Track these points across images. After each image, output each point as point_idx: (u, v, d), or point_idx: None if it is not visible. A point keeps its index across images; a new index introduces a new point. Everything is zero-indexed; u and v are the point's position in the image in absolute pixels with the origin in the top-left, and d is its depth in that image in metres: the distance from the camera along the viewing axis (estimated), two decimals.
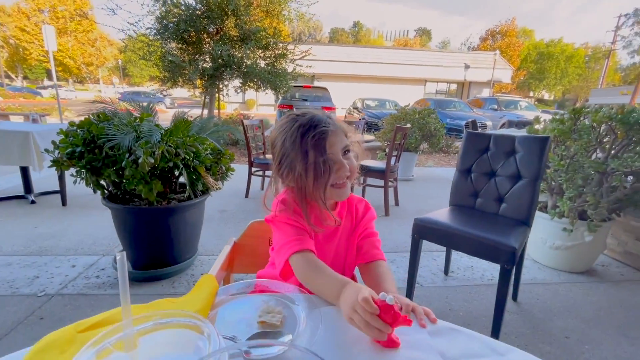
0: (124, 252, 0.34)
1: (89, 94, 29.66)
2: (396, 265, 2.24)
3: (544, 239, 2.18)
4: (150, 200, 1.77)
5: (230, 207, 3.26)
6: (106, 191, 1.87)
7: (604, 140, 1.99)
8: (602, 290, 2.00)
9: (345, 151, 0.72)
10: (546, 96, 33.99)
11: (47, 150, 1.83)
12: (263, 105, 22.24)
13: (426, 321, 0.55)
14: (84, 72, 31.67)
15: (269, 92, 7.69)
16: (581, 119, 2.06)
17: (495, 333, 1.49)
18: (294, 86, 9.13)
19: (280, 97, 9.02)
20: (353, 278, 0.85)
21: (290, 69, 7.54)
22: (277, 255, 0.73)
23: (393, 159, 3.24)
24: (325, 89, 9.97)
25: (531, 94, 32.73)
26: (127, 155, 1.61)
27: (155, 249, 1.91)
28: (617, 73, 32.99)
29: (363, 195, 3.74)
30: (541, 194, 2.25)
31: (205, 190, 2.00)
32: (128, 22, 7.07)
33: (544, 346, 1.53)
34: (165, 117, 2.43)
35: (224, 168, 2.10)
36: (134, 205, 1.84)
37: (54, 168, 1.74)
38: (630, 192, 1.88)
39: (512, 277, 1.83)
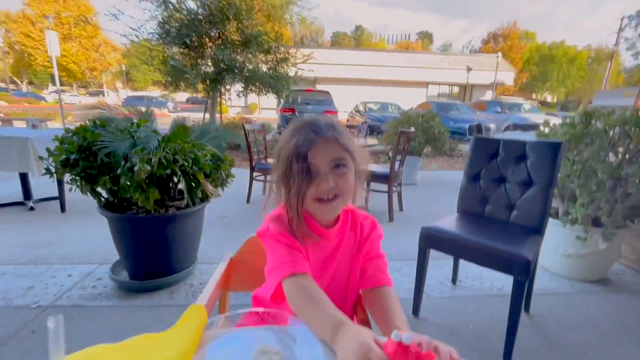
0: (61, 316, 0.28)
1: (92, 99, 29.91)
2: (401, 274, 2.17)
3: (556, 246, 2.10)
4: (147, 209, 1.72)
5: (231, 213, 3.20)
6: (102, 199, 1.82)
7: (617, 144, 1.91)
8: (618, 301, 1.91)
9: (337, 165, 0.64)
10: (549, 98, 33.81)
11: (41, 158, 1.78)
12: (265, 109, 22.26)
13: None
14: (87, 77, 31.94)
15: (270, 96, 7.66)
16: (593, 122, 1.98)
17: (508, 347, 1.41)
18: (296, 90, 9.12)
19: (282, 101, 9.01)
20: (357, 303, 0.78)
21: (292, 73, 7.52)
22: (268, 277, 0.66)
23: (397, 164, 3.18)
24: (327, 92, 9.95)
25: (534, 96, 32.57)
26: (122, 162, 1.56)
27: (153, 259, 1.85)
28: (620, 75, 32.77)
29: (366, 201, 3.66)
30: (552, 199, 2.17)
31: (205, 197, 1.95)
32: (130, 27, 7.09)
33: None
34: (168, 121, 2.38)
35: (224, 174, 2.05)
36: (131, 213, 1.78)
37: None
38: None
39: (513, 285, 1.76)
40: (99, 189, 1.77)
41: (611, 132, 1.93)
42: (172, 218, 1.81)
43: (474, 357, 1.48)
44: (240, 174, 3.79)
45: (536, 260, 1.65)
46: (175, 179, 1.88)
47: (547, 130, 2.13)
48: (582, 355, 1.49)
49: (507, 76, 22.53)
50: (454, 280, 2.04)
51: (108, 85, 37.16)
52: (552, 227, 2.09)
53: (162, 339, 0.44)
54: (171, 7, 6.74)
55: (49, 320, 0.26)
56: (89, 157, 1.64)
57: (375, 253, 0.75)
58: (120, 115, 2.23)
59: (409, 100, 17.60)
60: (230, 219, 3.05)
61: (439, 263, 2.26)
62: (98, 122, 1.77)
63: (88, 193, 1.73)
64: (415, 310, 1.71)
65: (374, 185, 3.56)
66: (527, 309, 1.77)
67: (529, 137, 2.36)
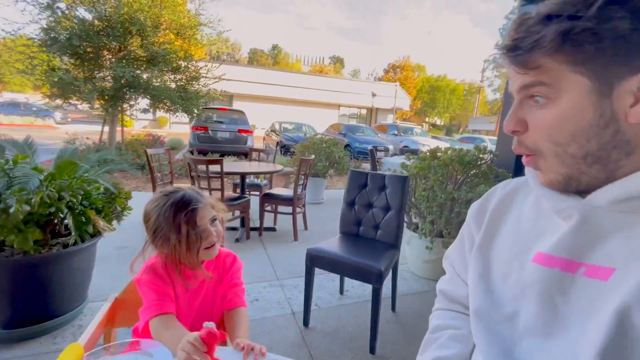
0: None
1: None
2: (299, 290, 2.43)
3: (418, 254, 2.66)
4: (26, 250, 1.62)
5: (131, 243, 3.06)
6: None
7: (453, 174, 2.56)
8: None
9: (213, 220, 0.88)
10: (438, 122, 40.17)
11: None
12: (176, 124, 20.89)
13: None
14: None
15: (179, 115, 7.38)
16: (437, 156, 2.62)
17: (372, 342, 1.78)
18: (209, 108, 8.96)
19: (194, 119, 8.74)
20: (220, 325, 0.99)
21: (204, 91, 7.40)
22: (140, 316, 0.83)
23: (300, 187, 3.51)
24: (242, 111, 10.01)
25: (426, 119, 38.31)
26: None
27: (33, 303, 1.72)
28: (486, 105, 41.07)
29: (275, 221, 3.90)
30: (415, 217, 2.75)
31: (97, 232, 1.90)
32: (2, 30, 6.09)
33: (412, 348, 1.87)
34: (55, 134, 2.22)
35: (119, 208, 2.03)
36: (4, 255, 1.64)
37: None
38: None
39: (391, 290, 2.19)
40: None
41: (450, 166, 2.58)
42: (57, 257, 1.73)
43: (349, 354, 1.80)
44: (144, 197, 3.64)
45: (395, 268, 2.09)
46: (62, 215, 1.80)
47: (408, 162, 2.71)
48: None
49: (405, 102, 26.00)
50: (341, 291, 2.40)
51: None
52: (415, 239, 2.65)
53: None
54: (59, 12, 6.04)
55: None
56: None
57: (234, 282, 0.97)
58: None
59: (323, 120, 18.77)
60: (130, 250, 2.92)
61: (331, 277, 2.61)
62: None
63: None
64: (306, 322, 1.98)
65: (281, 208, 3.83)
66: (393, 308, 2.21)
67: (396, 167, 2.94)
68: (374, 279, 1.69)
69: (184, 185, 0.91)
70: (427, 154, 2.63)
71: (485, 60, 31.22)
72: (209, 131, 8.92)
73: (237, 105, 18.21)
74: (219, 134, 9.01)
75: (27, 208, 1.48)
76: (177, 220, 0.81)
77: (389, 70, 41.01)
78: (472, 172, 2.45)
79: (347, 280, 2.46)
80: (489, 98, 39.79)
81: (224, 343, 0.69)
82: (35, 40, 6.20)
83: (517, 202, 0.60)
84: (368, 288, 2.51)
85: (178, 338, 0.70)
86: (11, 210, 1.42)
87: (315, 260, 1.88)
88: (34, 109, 19.65)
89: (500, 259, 0.58)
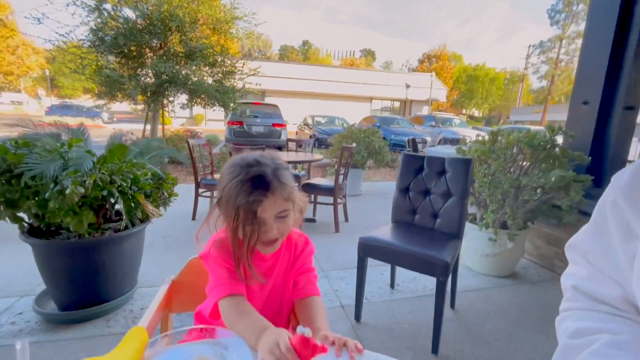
0: (27, 344, 0.32)
1: (7, 107, 26.28)
2: (345, 282, 2.30)
3: (476, 247, 2.42)
4: (80, 233, 1.62)
5: (175, 232, 3.09)
6: (25, 224, 1.68)
7: (517, 159, 2.29)
8: (524, 292, 2.26)
9: (282, 216, 0.72)
10: (476, 113, 38.09)
11: None
12: (212, 121, 21.59)
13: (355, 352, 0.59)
14: (1, 82, 27.99)
15: (216, 109, 7.52)
16: (499, 139, 2.35)
17: (435, 342, 1.60)
18: (244, 103, 9.07)
19: (229, 113, 8.89)
20: (291, 312, 0.87)
21: (239, 86, 7.47)
22: (209, 296, 0.73)
23: (341, 177, 3.36)
24: (275, 106, 10.04)
25: (464, 111, 36.46)
26: (52, 185, 1.47)
27: (87, 286, 1.74)
28: (530, 94, 38.23)
29: (314, 213, 3.79)
30: (471, 206, 2.50)
31: (146, 218, 1.89)
32: (57, 32, 6.49)
33: (477, 349, 1.68)
34: (102, 132, 2.26)
35: (166, 194, 2.01)
36: (60, 239, 1.66)
37: None
38: (539, 204, 2.18)
39: (450, 286, 1.99)
40: (20, 214, 1.63)
41: (514, 149, 2.31)
42: (109, 241, 1.72)
43: (408, 353, 1.64)
44: (185, 189, 3.68)
45: (456, 262, 1.89)
46: (113, 200, 1.80)
47: (464, 147, 2.46)
48: (494, 341, 1.74)
49: (441, 93, 24.86)
50: (392, 285, 2.23)
51: (28, 91, 32.91)
52: (472, 231, 2.41)
53: None
54: (106, 14, 6.33)
55: (17, 343, 0.31)
56: (9, 180, 1.51)
57: (306, 267, 0.85)
58: (46, 125, 2.07)
59: (355, 113, 18.44)
60: (174, 238, 2.94)
61: (380, 269, 2.45)
62: (20, 141, 1.64)
63: (7, 218, 1.58)
64: (357, 316, 1.84)
65: (320, 199, 3.71)
66: (452, 305, 2.01)
67: (452, 151, 2.70)
68: (439, 271, 1.51)
69: (269, 158, 0.74)
70: (487, 137, 2.37)
71: (530, 46, 28.90)
72: (244, 126, 9.04)
73: (268, 101, 18.44)
74: (254, 128, 9.10)
75: (82, 190, 1.47)
76: (237, 203, 0.68)
77: (423, 61, 39.44)
78: (541, 156, 2.16)
79: (397, 273, 2.29)
80: (533, 86, 36.93)
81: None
82: (85, 41, 6.54)
83: None
84: (420, 282, 2.32)
85: (255, 329, 0.59)
86: (67, 191, 1.41)
87: (369, 250, 1.73)
88: (85, 109, 21.25)
89: None
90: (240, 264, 0.73)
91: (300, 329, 0.52)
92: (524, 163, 2.22)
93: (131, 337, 0.53)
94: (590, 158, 2.16)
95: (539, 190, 2.23)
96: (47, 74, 30.46)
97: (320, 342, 0.52)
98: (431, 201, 1.93)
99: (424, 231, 1.88)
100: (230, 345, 0.53)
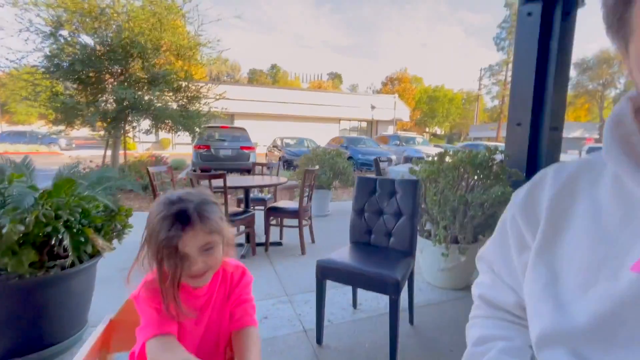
0: None
1: None
2: (310, 305, 2.30)
3: (432, 262, 2.53)
4: (21, 273, 1.53)
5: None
6: None
7: (464, 177, 2.47)
8: None
9: (207, 248, 0.74)
10: (438, 131, 40.34)
11: None
12: (180, 144, 21.08)
13: None
14: None
15: (182, 134, 7.41)
16: (446, 160, 2.54)
17: (392, 359, 1.64)
18: (211, 127, 9.01)
19: (196, 138, 8.77)
20: (227, 345, 0.88)
21: (205, 110, 7.44)
22: (137, 337, 0.74)
23: (305, 199, 3.42)
24: (243, 129, 10.06)
25: (427, 129, 38.52)
26: None
27: (30, 330, 1.62)
28: (485, 112, 41.29)
29: (281, 236, 3.79)
30: (427, 224, 2.64)
31: (96, 253, 1.82)
32: (7, 59, 6.20)
33: None
34: (59, 160, 2.18)
35: (119, 226, 1.95)
36: None
37: None
38: (486, 218, 2.35)
39: (408, 302, 2.06)
40: None
41: (460, 168, 2.49)
42: (54, 280, 1.64)
43: None
44: (143, 219, 3.55)
45: (410, 278, 1.97)
46: (60, 236, 1.72)
47: (416, 167, 2.62)
48: (450, 353, 1.82)
49: (404, 113, 26.16)
50: (354, 305, 2.26)
51: None
52: (429, 247, 2.53)
53: None
54: (62, 40, 6.16)
55: None
56: None
57: (243, 298, 0.87)
58: None
59: (324, 134, 18.85)
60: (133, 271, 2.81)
61: (342, 290, 2.48)
62: None
63: None
64: (319, 339, 1.85)
65: (286, 221, 3.73)
66: (411, 321, 2.07)
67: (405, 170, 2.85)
68: (391, 289, 1.57)
69: (195, 194, 0.77)
70: (435, 157, 2.55)
71: (482, 69, 31.59)
72: (211, 149, 8.94)
73: (238, 124, 18.41)
74: (222, 151, 9.02)
75: (21, 228, 1.41)
76: (159, 239, 0.70)
77: (387, 83, 41.62)
78: (483, 174, 2.36)
79: (360, 293, 2.33)
80: (487, 105, 40.06)
81: None
82: (39, 67, 6.30)
83: (583, 189, 0.48)
84: (383, 301, 2.37)
85: None
86: (4, 230, 1.35)
87: (326, 272, 1.77)
88: (39, 136, 19.99)
89: (573, 265, 0.45)
90: (169, 301, 0.74)
91: None
92: (470, 181, 2.40)
93: None
94: (524, 175, 2.38)
95: (485, 205, 2.41)
96: None
97: None
98: (384, 221, 2.02)
99: (379, 250, 1.96)
100: None
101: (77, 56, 6.02)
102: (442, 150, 2.74)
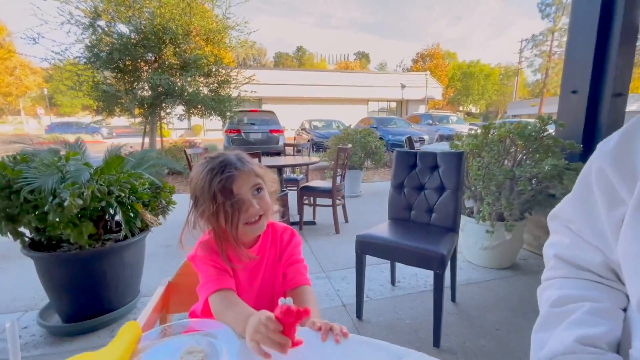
0: (15, 322, 0.35)
1: (8, 127, 26.49)
2: (347, 281, 2.31)
3: (475, 241, 2.43)
4: (81, 244, 1.65)
5: (176, 241, 3.10)
6: (27, 239, 1.70)
7: (511, 150, 2.31)
8: (524, 282, 2.26)
9: (257, 189, 0.76)
10: (473, 110, 38.19)
11: None
12: (211, 131, 21.70)
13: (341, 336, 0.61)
14: (1, 103, 28.27)
15: (214, 119, 7.58)
16: (491, 133, 2.38)
17: (436, 335, 1.61)
18: (241, 111, 9.13)
19: (227, 123, 8.95)
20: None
21: (234, 95, 7.54)
22: (199, 294, 0.75)
23: (338, 178, 3.39)
24: (272, 112, 10.10)
25: (460, 108, 36.58)
26: (50, 198, 1.50)
27: (90, 297, 1.76)
28: (525, 88, 38.35)
29: (314, 215, 3.81)
30: (468, 200, 2.52)
31: (145, 227, 1.92)
32: (52, 51, 6.58)
33: (479, 340, 1.68)
34: (102, 148, 2.30)
35: (164, 202, 2.04)
36: (62, 251, 1.69)
37: None
38: (535, 194, 2.20)
39: (449, 280, 2.00)
40: (21, 229, 1.66)
41: (507, 141, 2.33)
42: (109, 252, 1.75)
43: (410, 348, 1.65)
44: (185, 199, 3.71)
45: (454, 255, 1.90)
46: (112, 211, 1.83)
47: (458, 142, 2.49)
48: (496, 331, 1.75)
49: (436, 91, 24.95)
50: (392, 281, 2.24)
51: (27, 111, 33.15)
52: (470, 224, 2.42)
53: (98, 354, 0.50)
54: (100, 30, 6.42)
55: (7, 324, 0.33)
56: (9, 196, 1.54)
57: (295, 258, 0.86)
58: (45, 144, 2.11)
59: (352, 116, 18.51)
60: (174, 247, 2.96)
61: (380, 267, 2.46)
62: (19, 157, 1.67)
63: (8, 234, 1.61)
64: (359, 314, 1.86)
65: (319, 201, 3.73)
66: (453, 299, 2.01)
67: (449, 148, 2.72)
68: (436, 264, 1.52)
69: (230, 151, 0.80)
70: (479, 130, 2.39)
71: (523, 40, 29.05)
72: (242, 133, 9.09)
73: (266, 108, 18.54)
74: (252, 135, 9.16)
75: (80, 202, 1.50)
76: (212, 187, 0.72)
77: (417, 60, 39.64)
78: (533, 147, 2.18)
79: (398, 270, 2.30)
80: (529, 80, 37.06)
81: (307, 320, 0.57)
82: (81, 58, 6.63)
83: None
84: (421, 278, 2.33)
85: (243, 317, 0.60)
86: (65, 203, 1.44)
87: (366, 247, 1.75)
88: (84, 126, 21.39)
89: None
90: (227, 247, 0.76)
91: (282, 301, 0.54)
92: (517, 154, 2.24)
93: (125, 331, 0.55)
94: (581, 146, 2.18)
95: (533, 181, 2.25)
96: (46, 92, 30.75)
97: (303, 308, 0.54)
98: (426, 196, 1.95)
99: (420, 226, 1.90)
100: (219, 335, 0.55)
101: (114, 45, 6.27)
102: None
